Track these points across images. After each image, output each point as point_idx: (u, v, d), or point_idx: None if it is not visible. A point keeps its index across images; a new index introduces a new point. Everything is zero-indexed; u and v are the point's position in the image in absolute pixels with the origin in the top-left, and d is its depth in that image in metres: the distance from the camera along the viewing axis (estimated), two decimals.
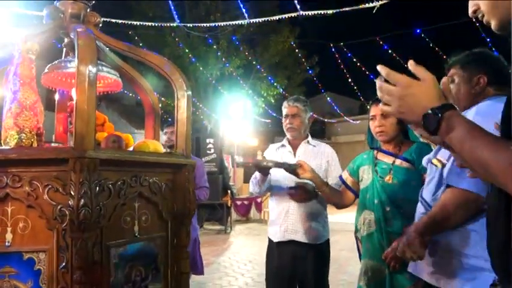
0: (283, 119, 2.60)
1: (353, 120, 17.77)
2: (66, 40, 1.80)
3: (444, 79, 1.10)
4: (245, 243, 8.21)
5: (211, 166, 9.82)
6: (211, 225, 9.94)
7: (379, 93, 0.94)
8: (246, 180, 17.36)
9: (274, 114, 15.97)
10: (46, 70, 1.70)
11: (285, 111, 2.58)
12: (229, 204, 9.91)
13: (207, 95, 14.66)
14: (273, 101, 15.91)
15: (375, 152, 2.13)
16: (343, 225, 7.62)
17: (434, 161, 1.54)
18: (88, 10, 1.75)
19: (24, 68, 1.48)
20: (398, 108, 0.90)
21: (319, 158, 2.54)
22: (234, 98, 14.41)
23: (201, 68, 13.04)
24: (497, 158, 0.77)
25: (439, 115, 0.85)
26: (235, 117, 14.51)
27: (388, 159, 2.04)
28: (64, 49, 1.84)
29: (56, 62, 1.72)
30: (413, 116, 0.89)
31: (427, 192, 1.63)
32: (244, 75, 14.52)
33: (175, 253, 1.63)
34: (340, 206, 2.26)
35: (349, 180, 2.21)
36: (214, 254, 6.94)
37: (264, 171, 2.36)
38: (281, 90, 15.33)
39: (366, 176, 2.09)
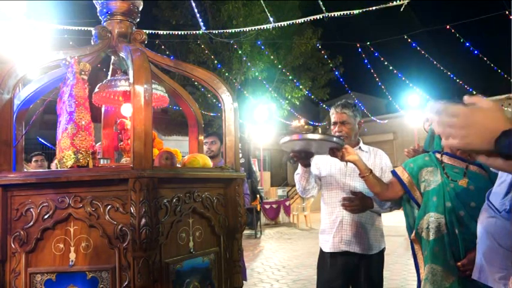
0: (332, 126, 2.47)
1: (380, 119, 17.46)
2: (113, 59, 1.83)
3: None
4: (276, 248, 8.18)
5: None
6: None
7: (438, 129, 0.88)
8: (273, 183, 17.35)
9: (299, 117, 15.90)
10: (97, 89, 1.74)
11: (333, 118, 2.45)
12: (258, 209, 9.92)
13: None
14: (297, 103, 15.84)
15: (438, 154, 2.03)
16: None
17: None
18: (134, 28, 1.78)
19: (78, 89, 1.52)
20: (464, 139, 0.85)
21: (372, 164, 2.41)
22: (259, 102, 14.43)
23: (226, 74, 13.12)
24: None
25: None
26: (260, 121, 14.51)
27: (459, 164, 1.95)
28: (111, 67, 1.87)
29: (106, 81, 1.76)
30: (483, 143, 0.84)
31: (495, 195, 1.54)
32: (268, 78, 14.52)
33: (228, 267, 1.63)
34: (383, 196, 2.12)
35: (404, 176, 2.07)
36: (247, 259, 6.91)
37: (305, 160, 2.21)
38: (306, 91, 15.24)
39: (432, 178, 1.98)
